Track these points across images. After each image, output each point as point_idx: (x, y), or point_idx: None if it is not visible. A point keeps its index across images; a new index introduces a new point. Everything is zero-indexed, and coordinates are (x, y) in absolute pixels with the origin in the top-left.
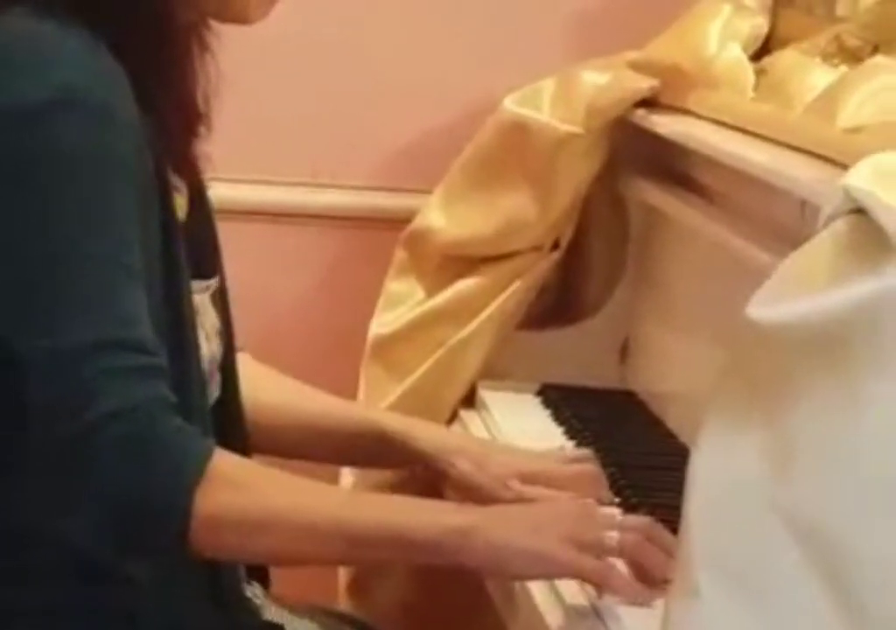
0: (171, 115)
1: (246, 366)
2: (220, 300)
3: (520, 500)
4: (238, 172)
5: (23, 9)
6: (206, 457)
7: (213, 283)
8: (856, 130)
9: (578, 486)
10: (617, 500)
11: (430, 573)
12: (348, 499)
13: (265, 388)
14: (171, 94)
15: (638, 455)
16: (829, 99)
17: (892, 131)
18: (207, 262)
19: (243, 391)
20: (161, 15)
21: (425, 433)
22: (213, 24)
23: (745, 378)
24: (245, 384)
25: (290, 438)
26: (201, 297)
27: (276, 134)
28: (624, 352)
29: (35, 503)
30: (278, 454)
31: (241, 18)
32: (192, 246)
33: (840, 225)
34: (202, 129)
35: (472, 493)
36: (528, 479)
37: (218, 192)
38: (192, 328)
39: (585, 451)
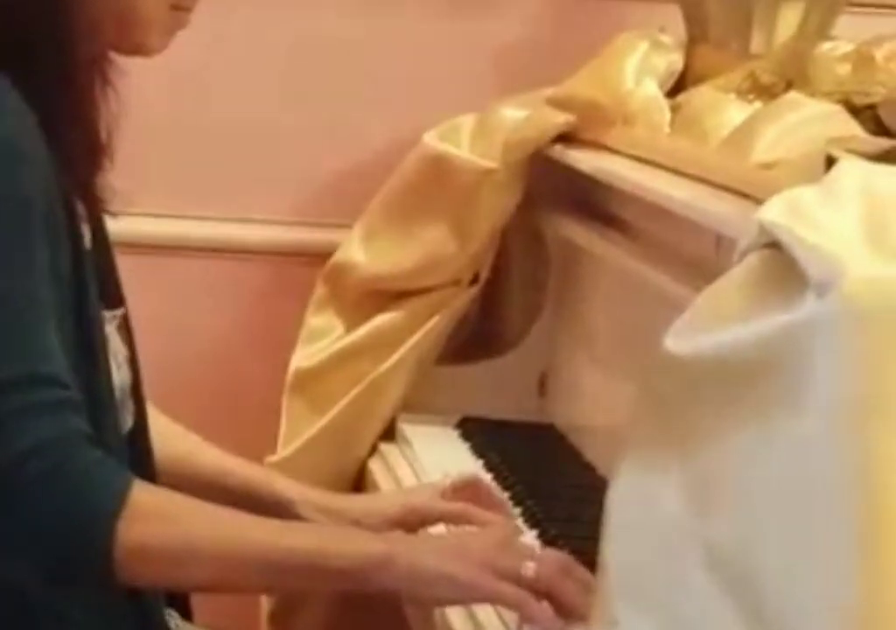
0: (74, 147)
1: (153, 420)
2: (126, 330)
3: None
4: (159, 207)
5: None
6: (127, 488)
7: (119, 312)
8: (770, 166)
9: (458, 517)
10: (535, 531)
11: (350, 604)
12: (272, 528)
13: (170, 444)
14: (74, 128)
15: (556, 487)
16: (744, 134)
17: (805, 166)
18: (113, 292)
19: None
20: (62, 49)
21: (311, 500)
22: (118, 58)
23: (661, 410)
24: (154, 439)
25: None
26: (109, 326)
27: (196, 168)
28: (543, 385)
29: None
30: None
31: (140, 50)
32: (98, 276)
33: (754, 259)
34: (106, 162)
35: None
36: (411, 517)
37: (139, 226)
38: (105, 357)
39: (472, 476)
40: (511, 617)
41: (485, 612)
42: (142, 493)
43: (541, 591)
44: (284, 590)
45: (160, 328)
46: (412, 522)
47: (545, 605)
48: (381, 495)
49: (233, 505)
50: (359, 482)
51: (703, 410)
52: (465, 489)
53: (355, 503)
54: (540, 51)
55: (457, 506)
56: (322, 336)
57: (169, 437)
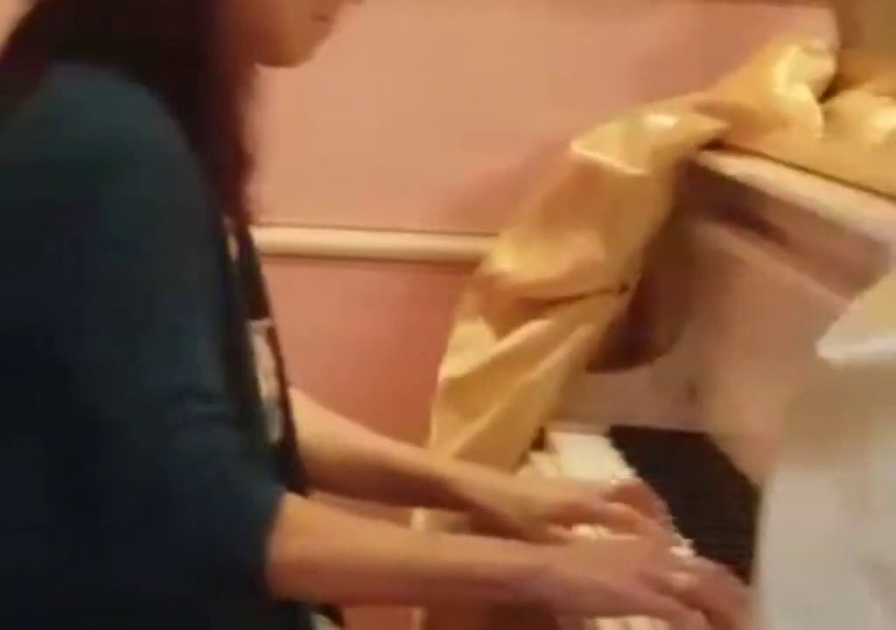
0: (221, 159)
1: (301, 403)
2: (272, 340)
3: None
4: (301, 216)
5: (82, 63)
6: (278, 504)
7: (265, 323)
8: None
9: (618, 520)
10: (688, 541)
11: (503, 612)
12: (421, 540)
13: (320, 425)
14: (220, 140)
15: (709, 496)
16: None
17: None
18: (259, 302)
19: (300, 428)
20: (207, 61)
21: (470, 478)
22: (263, 69)
23: (816, 418)
24: (302, 421)
25: (342, 476)
26: (256, 337)
27: (338, 177)
28: (693, 392)
29: (110, 556)
30: (330, 491)
31: (284, 61)
32: (245, 287)
33: None
34: (252, 173)
35: (514, 537)
36: (570, 513)
37: (280, 236)
38: (252, 367)
39: (636, 480)
40: (665, 627)
41: (639, 623)
42: (295, 508)
43: (694, 602)
44: (438, 601)
45: (302, 338)
46: (571, 518)
47: (699, 616)
48: (545, 482)
49: (390, 484)
50: None
51: (861, 418)
52: (629, 492)
53: (517, 487)
54: (686, 55)
55: (621, 509)
56: (472, 345)
57: (316, 420)
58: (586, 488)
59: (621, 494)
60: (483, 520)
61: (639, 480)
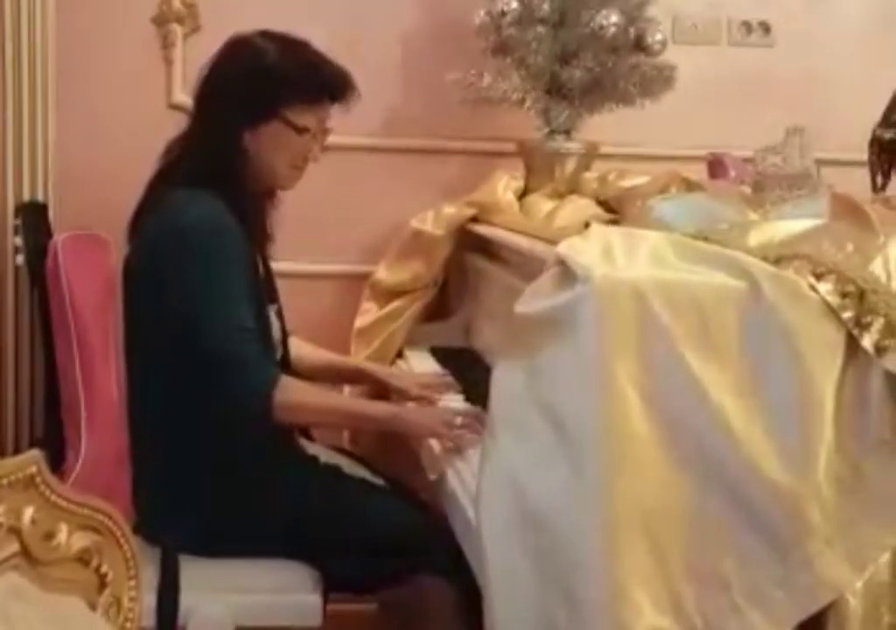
0: (255, 234)
1: (298, 342)
2: (280, 315)
3: (421, 397)
4: (292, 255)
5: (187, 186)
6: (279, 375)
7: (276, 306)
8: (562, 228)
9: (441, 388)
10: (462, 397)
11: (384, 435)
12: (349, 400)
13: (303, 350)
14: (255, 225)
15: (471, 373)
16: (552, 214)
17: (576, 228)
18: (273, 295)
19: (292, 351)
20: (243, 187)
21: (378, 369)
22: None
23: (514, 339)
24: (298, 348)
25: (313, 373)
26: (271, 312)
27: (310, 235)
28: (467, 331)
29: (211, 396)
30: (312, 380)
31: (280, 188)
32: (266, 287)
33: (554, 269)
34: (270, 242)
35: (400, 393)
36: (423, 387)
37: (284, 265)
38: (269, 326)
39: (447, 376)
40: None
41: (441, 441)
42: (287, 380)
43: (465, 429)
44: (356, 428)
45: (294, 314)
46: (424, 388)
47: (471, 436)
48: (409, 372)
49: (337, 374)
50: None
51: (532, 340)
52: (442, 378)
53: (402, 374)
54: (461, 179)
55: (442, 381)
56: (368, 312)
57: (304, 348)
58: (427, 374)
59: (439, 379)
60: (386, 389)
61: (448, 376)
